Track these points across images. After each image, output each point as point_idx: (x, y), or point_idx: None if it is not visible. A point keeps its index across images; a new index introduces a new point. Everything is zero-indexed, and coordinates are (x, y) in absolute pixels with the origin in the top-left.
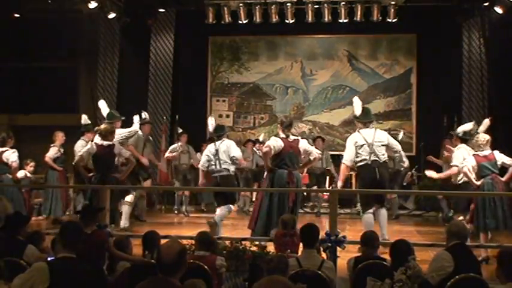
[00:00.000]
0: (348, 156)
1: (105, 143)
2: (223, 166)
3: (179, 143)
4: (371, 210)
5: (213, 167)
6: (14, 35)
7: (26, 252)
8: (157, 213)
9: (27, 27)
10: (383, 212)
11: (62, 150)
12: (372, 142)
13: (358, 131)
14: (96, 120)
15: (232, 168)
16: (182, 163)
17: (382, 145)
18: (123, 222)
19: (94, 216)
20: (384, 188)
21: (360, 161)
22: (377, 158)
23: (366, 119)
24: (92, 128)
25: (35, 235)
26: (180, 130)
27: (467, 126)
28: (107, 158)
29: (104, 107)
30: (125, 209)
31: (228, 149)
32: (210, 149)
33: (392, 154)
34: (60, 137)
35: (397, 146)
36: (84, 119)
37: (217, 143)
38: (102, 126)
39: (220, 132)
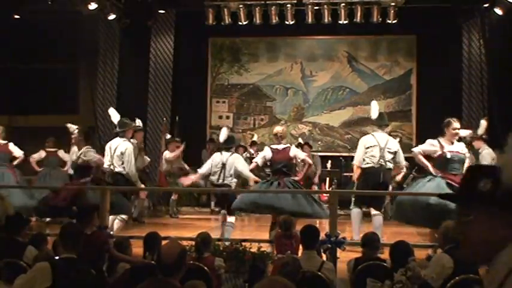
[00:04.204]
0: (357, 157)
1: (281, 146)
2: (225, 181)
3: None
4: (359, 209)
5: (214, 178)
6: (14, 36)
7: (26, 253)
8: (157, 214)
9: (27, 29)
10: (378, 218)
11: None
12: (384, 147)
13: (372, 134)
14: (96, 121)
15: (234, 182)
16: (175, 166)
17: (390, 152)
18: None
19: (89, 216)
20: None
21: (367, 162)
22: (384, 163)
23: (381, 122)
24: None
25: (38, 237)
26: (169, 136)
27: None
28: (284, 161)
29: (114, 114)
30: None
31: (235, 163)
32: (215, 159)
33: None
34: None
35: (401, 162)
36: (72, 128)
37: (225, 154)
38: (279, 128)
39: (230, 144)
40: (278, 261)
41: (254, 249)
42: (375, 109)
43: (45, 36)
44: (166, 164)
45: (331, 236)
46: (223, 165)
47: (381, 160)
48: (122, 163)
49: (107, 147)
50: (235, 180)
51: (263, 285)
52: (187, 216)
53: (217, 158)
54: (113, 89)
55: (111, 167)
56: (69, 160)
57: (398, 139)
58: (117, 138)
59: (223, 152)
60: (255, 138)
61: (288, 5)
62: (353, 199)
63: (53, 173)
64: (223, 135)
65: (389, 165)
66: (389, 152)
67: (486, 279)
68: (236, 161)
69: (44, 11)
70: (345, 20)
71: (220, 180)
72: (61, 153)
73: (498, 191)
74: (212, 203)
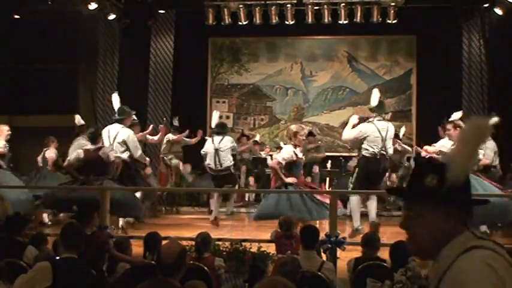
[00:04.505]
0: (348, 135)
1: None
2: (224, 164)
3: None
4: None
5: (212, 165)
6: (14, 36)
7: (26, 253)
8: (157, 214)
9: (27, 29)
10: (373, 198)
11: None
12: (386, 137)
13: (373, 122)
14: (96, 121)
15: (232, 163)
16: (174, 151)
17: (391, 138)
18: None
19: (89, 216)
20: (382, 180)
21: (369, 152)
22: (385, 153)
23: (381, 110)
24: (86, 128)
25: (38, 237)
26: (177, 123)
27: (459, 114)
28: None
29: (116, 101)
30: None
31: (228, 143)
32: (208, 146)
33: None
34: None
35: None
36: (78, 119)
37: (216, 139)
38: (292, 126)
39: (221, 130)
40: (278, 261)
41: (254, 249)
42: (375, 96)
43: (45, 36)
44: (166, 145)
45: (331, 236)
46: (216, 151)
47: (383, 150)
48: (125, 150)
49: (104, 132)
50: (232, 162)
51: (263, 285)
52: (187, 216)
53: (209, 145)
54: (113, 89)
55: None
56: (51, 158)
57: (403, 130)
58: (116, 124)
59: (215, 137)
60: (257, 138)
61: (288, 5)
62: (351, 185)
63: (43, 171)
64: (214, 119)
65: (390, 151)
66: (390, 139)
67: (431, 273)
68: (229, 143)
69: (44, 11)
70: (345, 20)
71: (218, 166)
72: (47, 152)
73: (443, 187)
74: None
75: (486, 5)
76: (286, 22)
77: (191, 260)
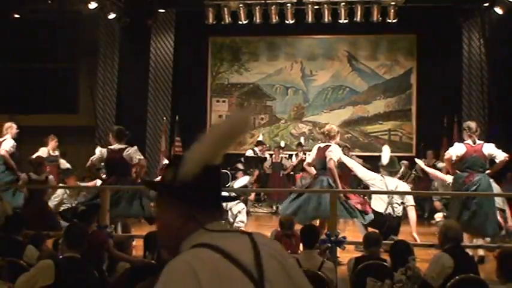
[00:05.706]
0: (360, 171)
1: (323, 144)
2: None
3: None
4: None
5: None
6: (14, 36)
7: (26, 253)
8: None
9: (27, 28)
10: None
11: None
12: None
13: (382, 176)
14: (96, 121)
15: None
16: None
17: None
18: None
19: (92, 216)
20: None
21: (376, 208)
22: (391, 212)
23: (392, 168)
24: (73, 172)
25: (37, 236)
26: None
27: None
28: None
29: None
30: None
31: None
32: None
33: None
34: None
35: (410, 201)
36: (63, 163)
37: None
38: (327, 126)
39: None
40: None
41: None
42: (386, 154)
43: (45, 36)
44: None
45: (331, 236)
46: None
47: (389, 207)
48: None
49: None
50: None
51: None
52: None
53: None
54: (113, 89)
55: None
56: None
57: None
58: None
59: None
60: (260, 137)
61: (288, 4)
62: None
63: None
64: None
65: (397, 211)
66: (398, 197)
67: None
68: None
69: (44, 11)
70: (345, 19)
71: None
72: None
73: (176, 182)
74: None
75: (486, 5)
76: (286, 21)
77: None
